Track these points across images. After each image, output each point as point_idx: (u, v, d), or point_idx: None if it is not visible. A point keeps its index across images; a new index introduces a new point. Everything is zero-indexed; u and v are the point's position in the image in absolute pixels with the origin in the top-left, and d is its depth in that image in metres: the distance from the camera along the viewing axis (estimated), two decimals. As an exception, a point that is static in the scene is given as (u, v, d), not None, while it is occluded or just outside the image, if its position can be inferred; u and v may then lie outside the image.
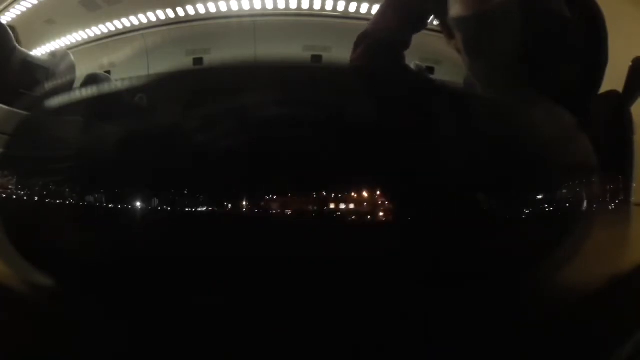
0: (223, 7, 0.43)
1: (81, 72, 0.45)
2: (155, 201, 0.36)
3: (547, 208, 0.37)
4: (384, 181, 0.34)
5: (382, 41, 0.41)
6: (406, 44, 0.42)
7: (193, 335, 0.30)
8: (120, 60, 0.45)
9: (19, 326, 0.33)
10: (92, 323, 0.32)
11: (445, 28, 0.42)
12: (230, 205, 0.34)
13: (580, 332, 0.31)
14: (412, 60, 0.43)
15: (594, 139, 0.36)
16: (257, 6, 0.43)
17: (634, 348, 0.31)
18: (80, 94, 0.44)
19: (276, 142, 0.34)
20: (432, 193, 0.34)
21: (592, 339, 0.31)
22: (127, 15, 0.45)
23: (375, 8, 0.43)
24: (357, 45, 0.41)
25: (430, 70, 0.42)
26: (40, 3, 0.48)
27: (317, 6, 0.44)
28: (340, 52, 0.43)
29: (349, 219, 0.33)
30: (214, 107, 0.35)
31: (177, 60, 0.44)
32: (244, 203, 0.34)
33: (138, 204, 0.36)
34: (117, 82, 0.44)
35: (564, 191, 0.38)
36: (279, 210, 0.34)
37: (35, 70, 0.48)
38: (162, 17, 0.44)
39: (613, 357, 0.30)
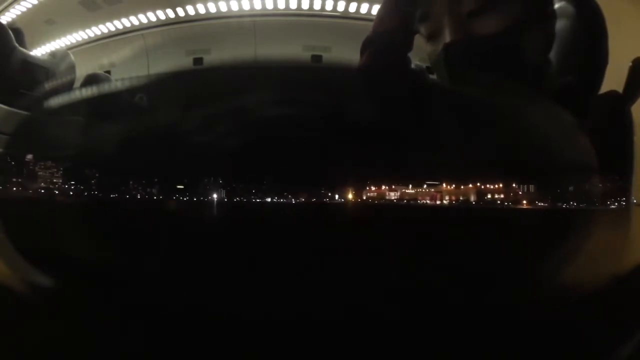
0: (223, 7, 0.43)
1: (81, 72, 0.45)
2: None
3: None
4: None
5: (385, 46, 0.41)
6: (408, 46, 0.42)
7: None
8: (120, 60, 0.45)
9: (19, 326, 0.33)
10: (92, 323, 0.32)
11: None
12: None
13: (580, 332, 0.31)
14: (413, 60, 0.43)
15: (594, 139, 0.36)
16: (257, 6, 0.43)
17: (634, 348, 0.31)
18: (80, 94, 0.44)
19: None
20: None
21: (592, 339, 0.31)
22: (127, 15, 0.45)
23: (375, 8, 0.43)
24: (362, 52, 0.41)
25: (430, 70, 0.43)
26: (40, 3, 0.48)
27: (317, 6, 0.44)
28: (340, 52, 0.43)
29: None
30: (214, 107, 0.35)
31: (177, 60, 0.44)
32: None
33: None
34: (117, 82, 0.44)
35: (564, 190, 0.38)
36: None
37: (35, 70, 0.48)
38: (162, 17, 0.44)
39: (613, 357, 0.30)
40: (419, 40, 0.43)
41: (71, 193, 0.38)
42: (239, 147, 0.34)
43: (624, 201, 0.42)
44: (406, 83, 0.40)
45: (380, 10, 0.43)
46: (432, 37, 0.42)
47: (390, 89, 0.37)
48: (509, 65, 0.39)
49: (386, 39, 0.41)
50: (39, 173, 0.39)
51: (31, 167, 0.40)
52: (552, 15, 0.43)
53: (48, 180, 0.38)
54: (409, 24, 0.42)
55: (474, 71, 0.38)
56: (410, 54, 0.43)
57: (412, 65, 0.43)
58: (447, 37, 0.40)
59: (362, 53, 0.41)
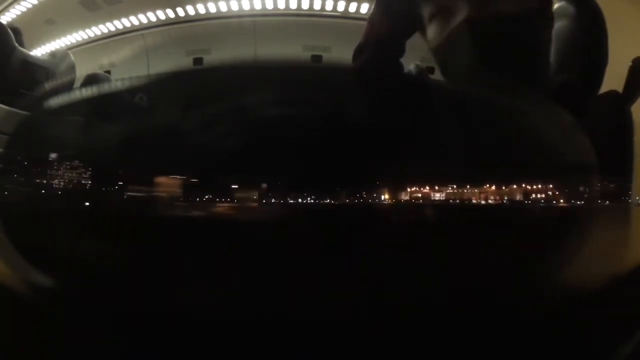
0: (223, 7, 0.43)
1: (81, 72, 0.45)
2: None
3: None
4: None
5: (378, 52, 0.41)
6: (401, 51, 0.42)
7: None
8: (120, 60, 0.45)
9: (19, 326, 0.33)
10: (91, 323, 0.32)
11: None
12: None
13: (580, 332, 0.31)
14: (413, 61, 0.43)
15: (593, 139, 0.36)
16: (257, 6, 0.43)
17: (634, 348, 0.31)
18: (80, 94, 0.44)
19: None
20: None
21: (592, 339, 0.31)
22: (127, 15, 0.45)
23: (376, 8, 0.43)
24: (354, 59, 0.41)
25: (430, 70, 0.42)
26: (40, 3, 0.48)
27: (317, 6, 0.44)
28: (340, 52, 0.43)
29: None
30: (214, 107, 0.36)
31: (177, 60, 0.44)
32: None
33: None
34: (117, 82, 0.44)
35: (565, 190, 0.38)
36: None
37: (35, 70, 0.48)
38: (162, 17, 0.44)
39: (613, 357, 0.30)
40: (415, 41, 0.43)
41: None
42: (238, 147, 0.34)
43: (623, 201, 0.42)
44: (400, 89, 0.40)
45: (369, 17, 0.42)
46: (432, 39, 0.41)
47: (384, 96, 0.37)
48: (512, 65, 0.39)
49: (377, 46, 0.41)
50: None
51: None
52: (551, 15, 0.43)
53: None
54: (400, 29, 0.42)
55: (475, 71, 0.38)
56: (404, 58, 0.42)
57: (406, 69, 0.42)
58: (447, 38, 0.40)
59: (353, 61, 0.41)
